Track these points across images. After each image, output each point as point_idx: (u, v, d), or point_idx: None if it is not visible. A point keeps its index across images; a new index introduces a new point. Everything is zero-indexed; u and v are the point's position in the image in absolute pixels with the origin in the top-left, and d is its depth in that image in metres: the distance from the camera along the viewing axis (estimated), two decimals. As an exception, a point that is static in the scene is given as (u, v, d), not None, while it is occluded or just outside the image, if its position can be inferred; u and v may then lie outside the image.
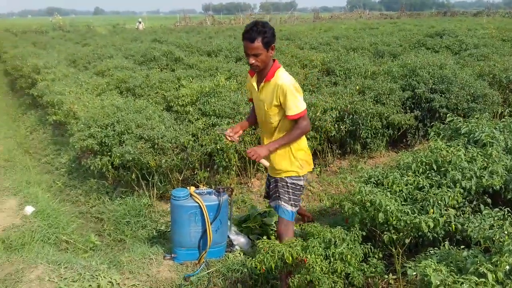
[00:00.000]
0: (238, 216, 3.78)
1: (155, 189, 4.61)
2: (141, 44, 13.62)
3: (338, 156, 5.48)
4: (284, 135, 2.86)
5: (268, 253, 2.52)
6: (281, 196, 2.97)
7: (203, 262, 3.19)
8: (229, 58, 10.42)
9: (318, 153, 5.35)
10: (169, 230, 3.84)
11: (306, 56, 8.88)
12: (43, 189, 4.79)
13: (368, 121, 5.19)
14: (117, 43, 14.69)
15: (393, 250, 2.71)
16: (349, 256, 2.43)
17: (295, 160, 2.92)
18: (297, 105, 2.75)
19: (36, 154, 6.43)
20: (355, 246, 2.53)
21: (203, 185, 3.73)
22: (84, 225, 4.47)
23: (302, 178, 2.98)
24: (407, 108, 5.72)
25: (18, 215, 4.13)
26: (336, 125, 5.08)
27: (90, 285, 2.85)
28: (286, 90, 2.73)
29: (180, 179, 4.66)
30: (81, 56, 11.17)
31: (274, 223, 3.58)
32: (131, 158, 4.34)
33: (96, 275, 2.96)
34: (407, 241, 2.66)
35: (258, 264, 2.51)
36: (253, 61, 2.72)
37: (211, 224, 3.16)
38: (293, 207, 2.99)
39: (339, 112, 5.19)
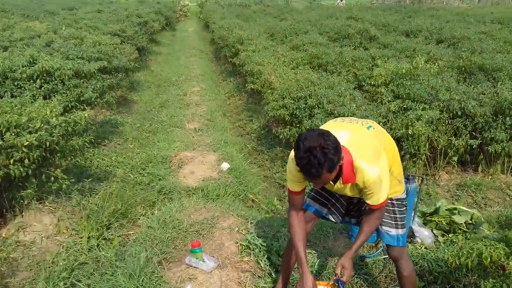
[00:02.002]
0: (422, 208, 3.56)
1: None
2: (336, 20, 13.63)
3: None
4: (363, 232, 2.28)
5: (464, 248, 2.31)
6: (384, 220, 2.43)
7: (381, 246, 3.11)
8: (429, 39, 9.72)
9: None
10: (347, 208, 3.85)
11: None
12: (236, 150, 5.28)
13: None
14: (313, 19, 14.99)
15: None
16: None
17: (393, 178, 2.32)
18: (382, 197, 2.19)
19: (232, 117, 7.09)
20: None
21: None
22: (267, 188, 4.80)
23: (403, 194, 2.44)
24: None
25: (216, 170, 4.66)
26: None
27: (271, 243, 3.05)
28: (371, 184, 2.13)
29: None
30: (278, 30, 11.76)
31: (464, 223, 3.27)
32: (319, 132, 4.44)
33: (277, 236, 3.16)
34: None
35: (450, 257, 2.33)
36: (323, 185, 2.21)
37: (394, 210, 3.05)
38: (403, 230, 2.45)
39: None
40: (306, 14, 17.95)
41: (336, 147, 1.94)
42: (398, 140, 4.59)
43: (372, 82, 5.82)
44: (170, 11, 24.06)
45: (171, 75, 10.12)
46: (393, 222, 2.41)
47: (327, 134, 1.94)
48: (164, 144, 5.47)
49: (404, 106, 4.82)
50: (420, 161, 4.43)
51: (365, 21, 13.31)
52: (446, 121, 4.53)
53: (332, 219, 2.54)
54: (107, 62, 6.31)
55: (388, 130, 4.48)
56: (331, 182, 2.21)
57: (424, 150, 4.36)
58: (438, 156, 4.61)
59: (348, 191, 2.26)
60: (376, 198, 2.16)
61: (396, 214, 2.41)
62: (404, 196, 2.44)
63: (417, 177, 3.22)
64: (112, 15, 14.35)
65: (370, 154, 2.14)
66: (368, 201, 2.19)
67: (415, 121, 4.38)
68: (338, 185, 2.21)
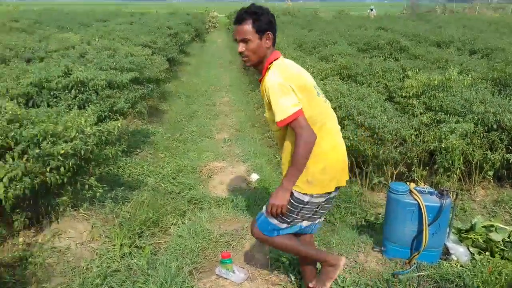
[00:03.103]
0: (457, 224, 3.47)
1: (368, 178, 4.59)
2: (365, 31, 13.56)
3: None
4: (291, 159, 2.21)
5: (493, 274, 2.24)
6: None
7: (414, 263, 3.04)
8: (462, 50, 9.53)
9: None
10: (378, 222, 3.79)
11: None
12: (265, 161, 5.28)
13: None
14: (341, 29, 14.95)
15: None
16: None
17: (305, 174, 2.24)
18: (280, 108, 2.14)
19: (261, 128, 7.10)
20: None
21: (424, 184, 3.53)
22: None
23: (306, 195, 2.29)
24: None
25: (245, 180, 4.67)
26: None
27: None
28: (268, 89, 2.19)
29: (395, 173, 4.52)
30: (307, 40, 11.76)
31: (502, 241, 3.17)
32: (349, 144, 4.39)
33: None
34: None
35: (480, 284, 2.26)
36: (242, 49, 2.27)
37: (428, 226, 2.98)
38: (279, 222, 2.36)
39: None
40: (335, 25, 17.90)
41: (270, 19, 2.27)
42: (431, 154, 4.51)
43: (403, 94, 5.73)
44: (200, 22, 24.44)
45: (201, 86, 10.24)
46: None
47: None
48: (194, 154, 5.52)
49: (437, 118, 4.73)
50: (455, 176, 4.31)
51: (395, 32, 13.18)
52: (481, 134, 4.42)
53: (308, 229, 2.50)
54: (138, 73, 6.45)
55: (420, 143, 4.41)
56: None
57: (459, 164, 4.25)
58: (473, 170, 4.48)
59: (265, 105, 2.31)
60: (277, 108, 2.14)
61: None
62: (304, 199, 2.28)
63: (451, 192, 3.14)
64: (143, 26, 14.68)
65: (286, 75, 2.21)
66: (275, 118, 2.17)
67: (448, 134, 4.29)
68: (261, 86, 2.31)
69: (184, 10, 32.44)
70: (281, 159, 2.42)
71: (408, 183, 3.21)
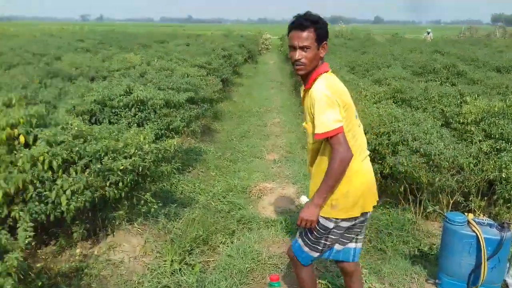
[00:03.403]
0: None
1: (421, 206, 4.45)
2: (421, 54, 13.28)
3: None
4: (325, 175, 2.18)
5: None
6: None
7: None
8: (525, 76, 9.10)
9: None
10: (432, 252, 3.66)
11: None
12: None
13: None
14: (395, 52, 14.72)
15: None
16: None
17: (330, 197, 2.25)
18: (323, 121, 2.12)
19: (311, 150, 7.08)
20: None
21: (483, 215, 3.38)
22: (346, 224, 4.70)
23: (331, 221, 2.30)
24: None
25: (295, 202, 4.66)
26: None
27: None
28: (314, 100, 2.16)
29: (451, 202, 4.36)
30: (360, 63, 11.68)
31: None
32: (403, 170, 4.29)
33: (358, 277, 3.07)
34: None
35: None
36: (300, 57, 2.21)
37: (487, 260, 2.85)
38: (310, 250, 2.39)
39: None
40: (389, 48, 17.65)
41: (327, 31, 2.26)
42: (490, 183, 4.31)
43: (461, 120, 5.53)
44: (253, 44, 24.89)
45: (252, 106, 10.40)
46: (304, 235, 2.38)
47: None
48: (244, 173, 5.59)
49: (497, 146, 4.52)
50: (516, 207, 4.10)
51: (452, 55, 12.82)
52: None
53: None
54: (194, 93, 6.65)
55: (479, 171, 4.24)
56: (302, 86, 2.36)
57: (521, 195, 4.04)
58: (537, 202, 4.23)
59: (305, 113, 2.34)
60: (318, 121, 2.14)
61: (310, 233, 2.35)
62: (329, 225, 2.31)
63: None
64: (199, 48, 15.17)
65: (335, 89, 2.22)
66: (315, 130, 2.17)
67: (509, 163, 4.09)
68: (303, 92, 2.37)
69: (239, 32, 33.22)
70: (310, 172, 2.46)
71: (465, 213, 3.09)
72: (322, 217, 2.28)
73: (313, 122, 2.21)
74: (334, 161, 2.13)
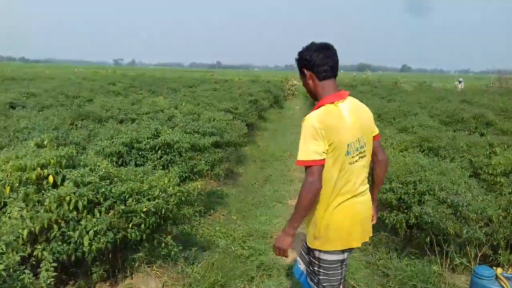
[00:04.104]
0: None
1: (448, 258, 4.29)
2: (449, 103, 13.20)
3: None
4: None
5: None
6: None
7: None
8: (557, 126, 8.89)
9: None
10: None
11: None
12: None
13: None
14: (422, 100, 14.69)
15: None
16: None
17: (313, 227, 2.42)
18: (303, 150, 2.24)
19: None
20: None
21: (511, 269, 3.23)
22: (369, 275, 4.55)
23: (318, 251, 2.42)
24: None
25: (317, 250, 4.56)
26: None
27: None
28: (302, 127, 2.29)
29: (479, 254, 4.19)
30: (386, 111, 11.68)
31: None
32: (429, 221, 4.19)
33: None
34: None
35: None
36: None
37: (518, 319, 2.69)
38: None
39: None
40: (416, 96, 17.66)
41: (305, 57, 2.36)
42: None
43: (490, 171, 5.42)
44: (279, 90, 25.31)
45: (276, 151, 10.44)
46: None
47: None
48: (265, 218, 5.55)
49: (529, 199, 4.38)
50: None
51: (481, 105, 12.69)
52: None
53: None
54: (219, 137, 6.76)
55: (508, 224, 4.09)
56: None
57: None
58: None
59: None
60: (300, 149, 2.27)
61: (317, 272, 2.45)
62: (316, 253, 2.41)
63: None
64: (226, 93, 15.53)
65: (326, 124, 2.25)
66: (297, 156, 2.30)
67: (541, 217, 3.95)
68: None
69: (265, 78, 33.92)
70: None
71: (494, 267, 2.96)
72: (310, 248, 2.44)
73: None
74: (301, 190, 2.25)
